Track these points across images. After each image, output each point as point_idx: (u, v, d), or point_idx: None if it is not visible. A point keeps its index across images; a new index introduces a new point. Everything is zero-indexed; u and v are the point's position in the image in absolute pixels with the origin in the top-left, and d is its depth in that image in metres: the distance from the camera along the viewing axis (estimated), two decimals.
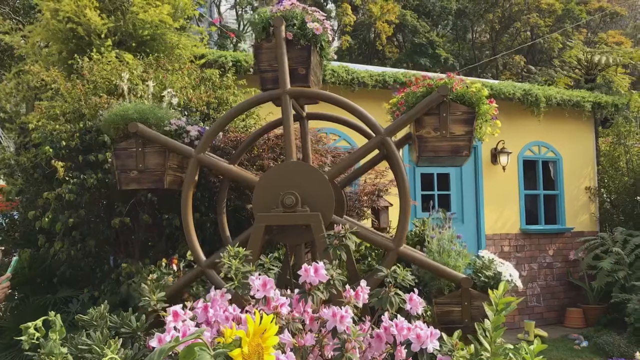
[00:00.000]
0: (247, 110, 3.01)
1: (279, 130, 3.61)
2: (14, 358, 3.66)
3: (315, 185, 2.74)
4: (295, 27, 2.95)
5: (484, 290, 2.69)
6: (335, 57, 3.28)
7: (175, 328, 1.89)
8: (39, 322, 1.75)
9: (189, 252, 3.07)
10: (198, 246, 2.95)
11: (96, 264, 3.69)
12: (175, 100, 3.40)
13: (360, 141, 4.88)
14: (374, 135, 2.92)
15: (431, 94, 2.83)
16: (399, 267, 2.25)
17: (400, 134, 3.13)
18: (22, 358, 3.58)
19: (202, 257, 2.92)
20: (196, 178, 3.03)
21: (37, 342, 1.73)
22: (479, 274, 2.83)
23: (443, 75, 3.00)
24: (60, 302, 3.69)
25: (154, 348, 1.82)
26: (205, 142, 2.99)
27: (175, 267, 3.02)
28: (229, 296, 2.26)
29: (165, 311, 2.14)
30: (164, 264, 3.01)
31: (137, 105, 3.03)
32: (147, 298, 2.58)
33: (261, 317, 1.27)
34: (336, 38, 16.18)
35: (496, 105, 2.91)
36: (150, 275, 2.87)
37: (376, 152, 3.16)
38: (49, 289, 3.85)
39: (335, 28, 16.31)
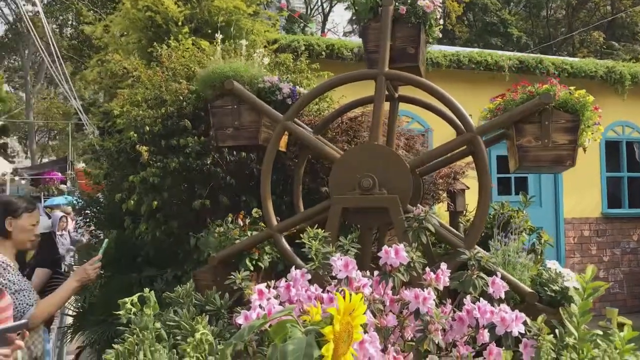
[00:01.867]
0: (340, 86, 3.00)
1: (352, 114, 3.61)
2: (104, 333, 3.87)
3: (394, 171, 2.71)
4: (407, 4, 2.93)
5: (551, 304, 2.57)
6: (440, 35, 3.23)
7: (260, 306, 1.93)
8: (134, 297, 1.84)
9: (254, 210, 3.13)
10: (271, 210, 2.99)
11: (178, 244, 3.81)
12: (266, 60, 3.46)
13: (435, 125, 4.82)
14: (464, 130, 2.84)
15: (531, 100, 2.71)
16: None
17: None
18: (111, 333, 3.78)
19: (274, 221, 2.96)
20: (281, 144, 3.08)
21: (133, 316, 1.83)
22: (545, 288, 2.71)
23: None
24: (145, 280, 3.86)
25: (240, 325, 1.87)
26: (294, 111, 3.03)
27: (241, 222, 3.09)
28: (309, 276, 2.29)
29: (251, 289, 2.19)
30: (230, 219, 3.09)
31: (231, 64, 3.13)
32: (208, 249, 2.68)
33: (350, 296, 1.28)
34: None
35: (600, 112, 2.76)
36: (217, 228, 2.97)
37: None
38: (134, 268, 4.03)
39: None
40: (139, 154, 3.46)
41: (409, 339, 2.06)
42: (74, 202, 5.11)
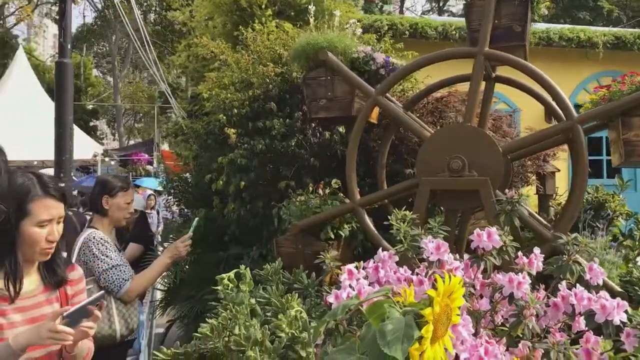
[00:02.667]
0: (437, 62, 2.94)
1: (438, 94, 3.54)
2: (193, 308, 4.05)
3: (486, 153, 2.64)
4: None
5: None
6: (547, 12, 3.12)
7: (350, 286, 1.95)
8: (231, 274, 1.91)
9: (334, 180, 3.15)
10: (355, 183, 3.00)
11: (263, 224, 3.90)
12: (359, 31, 3.47)
13: (523, 106, 4.66)
14: (563, 118, 2.72)
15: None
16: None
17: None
18: (200, 308, 3.95)
19: (357, 195, 2.97)
20: (372, 116, 3.07)
21: (229, 292, 1.90)
22: (636, 287, 2.55)
23: None
24: (231, 258, 3.99)
25: (330, 303, 1.90)
26: (386, 85, 3.01)
27: (321, 192, 3.12)
28: (397, 258, 2.29)
29: (340, 269, 2.22)
30: (310, 188, 3.13)
31: (325, 35, 3.16)
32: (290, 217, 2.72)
33: (450, 279, 1.27)
34: None
35: None
36: (299, 197, 3.03)
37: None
38: (221, 246, 4.17)
39: None
40: (227, 136, 3.56)
41: (498, 323, 2.02)
42: (162, 182, 5.34)
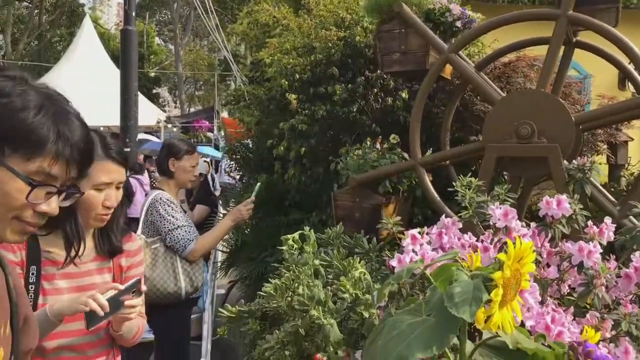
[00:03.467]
0: (516, 23, 2.80)
1: (506, 58, 3.43)
2: (254, 270, 4.15)
3: (557, 120, 2.54)
4: None
5: None
6: None
7: (413, 251, 1.95)
8: (296, 235, 1.94)
9: (392, 135, 3.12)
10: (418, 141, 2.95)
11: (322, 189, 3.93)
12: None
13: (594, 72, 4.45)
14: None
15: None
16: None
17: None
18: (261, 270, 4.04)
19: (419, 153, 2.93)
20: (445, 72, 3.02)
21: (294, 252, 1.93)
22: None
23: None
24: (291, 223, 4.04)
25: (393, 267, 1.90)
26: (460, 43, 2.94)
27: (379, 146, 3.10)
28: (460, 225, 2.27)
29: (403, 234, 2.22)
30: (368, 142, 3.12)
31: None
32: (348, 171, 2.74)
33: (521, 243, 1.25)
34: None
35: None
36: (356, 151, 3.02)
37: None
38: (281, 211, 4.24)
39: None
40: (288, 101, 3.58)
41: (564, 292, 1.98)
42: (224, 148, 5.44)
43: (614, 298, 1.97)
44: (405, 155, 3.06)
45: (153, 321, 3.23)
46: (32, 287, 1.72)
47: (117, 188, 1.85)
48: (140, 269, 2.04)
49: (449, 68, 3.09)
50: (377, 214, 2.94)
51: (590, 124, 2.88)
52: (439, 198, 2.81)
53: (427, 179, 2.88)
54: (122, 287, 1.70)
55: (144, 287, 1.79)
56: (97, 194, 1.78)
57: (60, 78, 15.85)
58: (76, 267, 1.81)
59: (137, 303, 1.74)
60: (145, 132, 15.66)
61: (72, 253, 1.77)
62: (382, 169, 2.97)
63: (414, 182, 3.08)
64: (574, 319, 1.85)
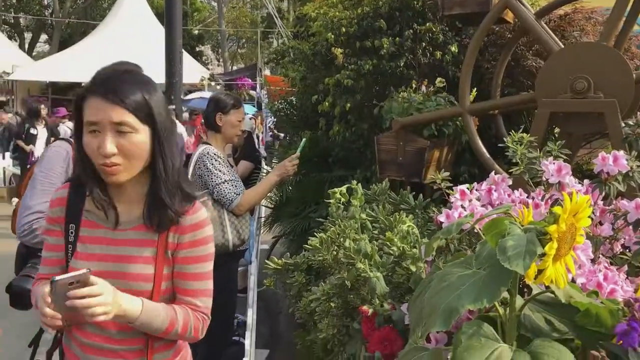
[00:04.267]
0: None
1: (561, 11, 3.28)
2: (298, 225, 4.19)
3: (615, 75, 2.43)
4: None
5: None
6: None
7: (462, 206, 1.92)
8: (343, 188, 1.94)
9: (439, 79, 3.05)
10: (468, 87, 2.88)
11: (366, 146, 3.91)
12: None
13: None
14: None
15: None
16: None
17: None
18: (304, 225, 4.09)
19: (467, 100, 2.86)
20: (508, 16, 2.93)
21: (341, 206, 1.94)
22: None
23: None
24: (335, 179, 4.05)
25: (441, 222, 1.89)
26: None
27: (424, 89, 3.05)
28: (510, 182, 2.22)
29: (451, 190, 2.19)
30: (413, 85, 3.07)
31: None
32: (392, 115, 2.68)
33: (578, 197, 1.21)
34: None
35: None
36: (401, 94, 2.97)
37: None
38: (325, 168, 4.24)
39: None
40: (334, 56, 3.53)
41: (617, 252, 1.93)
42: (268, 105, 5.45)
43: None
44: (452, 99, 3.00)
45: None
46: (70, 247, 1.55)
47: (120, 133, 1.44)
48: (192, 252, 1.57)
49: (510, 13, 2.96)
50: (420, 158, 2.91)
51: None
52: (484, 149, 2.75)
53: (474, 127, 2.81)
54: (59, 277, 1.35)
55: (98, 280, 1.38)
56: (90, 139, 1.45)
57: (106, 36, 16.08)
58: (114, 233, 1.54)
59: (86, 293, 1.36)
60: (189, 90, 15.81)
61: (109, 216, 1.55)
62: (428, 114, 2.92)
63: (459, 127, 3.02)
64: (626, 278, 1.81)
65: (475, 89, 3.54)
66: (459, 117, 2.95)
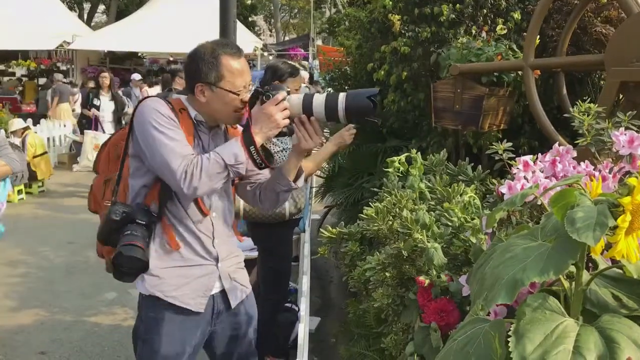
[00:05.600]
0: None
1: None
2: (350, 195, 4.19)
3: None
4: None
5: None
6: None
7: (525, 177, 1.87)
8: (402, 157, 1.91)
9: (499, 27, 2.95)
10: (534, 43, 2.79)
11: (422, 117, 3.84)
12: None
13: None
14: None
15: None
16: None
17: None
18: (357, 195, 4.08)
19: (532, 55, 2.76)
20: None
21: (399, 175, 1.91)
22: None
23: None
24: (390, 150, 4.01)
25: (502, 194, 1.84)
26: None
27: (485, 35, 2.97)
28: (575, 153, 2.14)
29: (514, 160, 2.14)
30: (473, 31, 2.98)
31: None
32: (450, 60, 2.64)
33: None
34: None
35: None
36: (460, 39, 2.90)
37: None
38: (379, 138, 4.20)
39: None
40: (391, 23, 3.46)
41: None
42: (322, 75, 5.42)
43: None
44: (514, 46, 2.91)
45: (257, 239, 3.37)
46: None
47: None
48: None
49: None
50: (478, 105, 2.85)
51: None
52: (542, 110, 2.65)
53: (534, 84, 2.72)
54: None
55: None
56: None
57: (161, 6, 16.27)
58: None
59: None
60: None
61: None
62: (488, 64, 2.85)
63: (520, 77, 2.93)
64: None
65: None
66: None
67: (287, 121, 1.88)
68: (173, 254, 1.96)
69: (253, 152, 1.82)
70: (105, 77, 9.37)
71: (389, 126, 4.07)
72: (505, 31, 2.92)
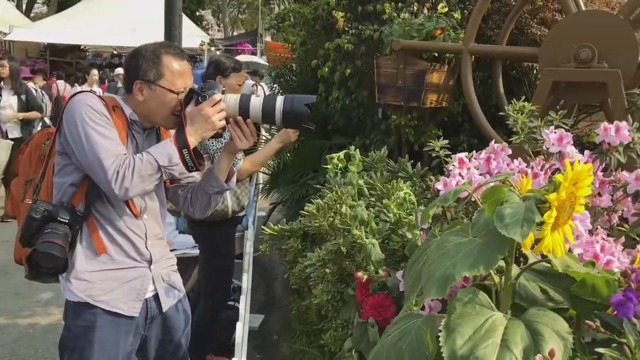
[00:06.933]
0: None
1: None
2: (295, 192, 4.17)
3: (620, 45, 2.39)
4: None
5: None
6: None
7: (460, 174, 1.90)
8: (341, 154, 1.91)
9: (441, 5, 3.04)
10: (476, 28, 2.89)
11: (366, 114, 3.86)
12: None
13: None
14: None
15: None
16: None
17: None
18: (302, 192, 4.07)
19: (472, 39, 2.86)
20: None
21: (338, 172, 1.91)
22: None
23: None
24: (334, 147, 4.02)
25: (438, 190, 1.87)
26: None
27: (426, 12, 3.03)
28: (509, 151, 2.20)
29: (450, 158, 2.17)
30: (415, 7, 3.07)
31: None
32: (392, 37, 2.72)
33: (579, 165, 1.19)
34: None
35: None
36: (402, 14, 2.96)
37: None
38: (324, 135, 4.20)
39: None
40: (335, 20, 3.47)
41: (614, 223, 1.92)
42: (268, 72, 5.38)
43: None
44: (455, 22, 2.98)
45: (199, 237, 3.32)
46: None
47: None
48: None
49: None
50: (420, 81, 2.92)
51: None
52: (476, 98, 2.72)
53: (470, 70, 2.81)
54: None
55: None
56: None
57: None
58: None
59: None
60: (189, 56, 15.61)
61: None
62: (428, 43, 2.93)
63: (459, 56, 3.01)
64: (623, 250, 1.80)
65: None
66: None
67: (223, 123, 1.86)
68: (102, 256, 1.87)
69: (185, 154, 1.78)
70: (3, 66, 7.09)
71: (333, 123, 4.08)
72: (446, 9, 2.98)
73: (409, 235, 1.71)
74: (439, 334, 1.12)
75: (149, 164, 1.74)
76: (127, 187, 1.72)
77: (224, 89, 1.91)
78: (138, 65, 1.86)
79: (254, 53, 16.50)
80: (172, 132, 1.94)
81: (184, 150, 1.77)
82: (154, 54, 1.86)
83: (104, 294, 1.87)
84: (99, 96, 1.86)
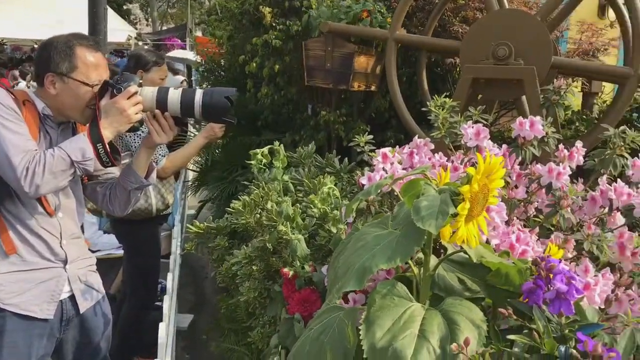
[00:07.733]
0: None
1: None
2: (224, 189, 4.12)
3: (534, 41, 2.49)
4: None
5: None
6: None
7: (383, 169, 1.93)
8: (265, 149, 1.90)
9: None
10: (402, 17, 2.94)
11: (296, 110, 3.86)
12: None
13: None
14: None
15: None
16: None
17: None
18: (231, 189, 4.02)
19: (398, 27, 2.93)
20: None
21: (263, 167, 1.90)
22: None
23: None
24: (264, 143, 3.98)
25: (363, 185, 1.89)
26: None
27: None
28: (432, 146, 2.25)
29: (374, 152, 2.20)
30: None
31: None
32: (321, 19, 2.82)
33: (491, 158, 1.23)
34: None
35: None
36: None
37: None
38: (254, 131, 4.16)
39: None
40: (262, 15, 3.44)
41: (530, 215, 2.00)
42: (197, 68, 5.27)
43: (578, 220, 2.00)
44: (382, 6, 3.04)
45: (121, 236, 3.22)
46: None
47: None
48: None
49: None
50: (348, 64, 2.96)
51: (564, 70, 2.84)
52: (399, 90, 2.79)
53: (394, 58, 2.89)
54: None
55: None
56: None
57: None
58: None
59: None
60: (115, 50, 15.12)
61: None
62: (355, 27, 2.98)
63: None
64: (538, 239, 1.88)
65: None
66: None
67: (139, 116, 1.80)
68: (12, 257, 1.79)
69: (100, 148, 1.72)
70: None
71: (263, 119, 4.05)
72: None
73: (334, 230, 1.72)
74: (360, 326, 1.13)
75: (61, 160, 1.67)
76: (38, 184, 1.64)
77: (140, 81, 1.85)
78: (49, 57, 1.77)
79: (183, 48, 16.15)
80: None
81: (98, 145, 1.70)
82: (67, 45, 1.78)
83: (15, 297, 1.78)
84: (8, 90, 1.77)
